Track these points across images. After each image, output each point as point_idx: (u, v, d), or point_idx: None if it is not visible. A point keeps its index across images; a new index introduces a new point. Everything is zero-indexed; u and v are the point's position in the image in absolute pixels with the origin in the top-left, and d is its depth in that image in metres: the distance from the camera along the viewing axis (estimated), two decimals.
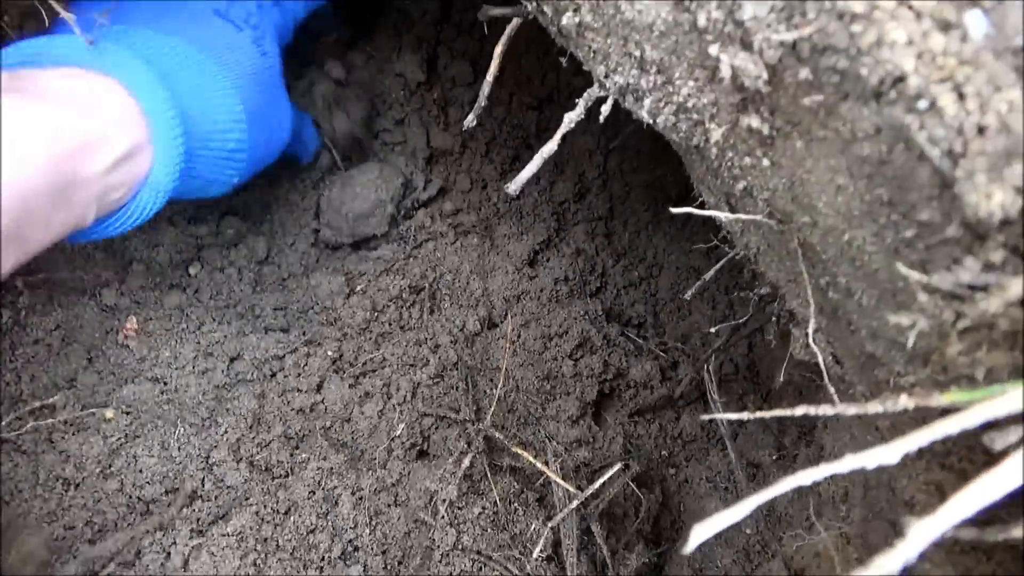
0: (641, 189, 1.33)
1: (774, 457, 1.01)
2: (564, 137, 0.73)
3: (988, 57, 0.30)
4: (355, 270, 1.17)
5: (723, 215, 0.52)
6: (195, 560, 0.88)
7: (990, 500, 0.27)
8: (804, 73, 0.37)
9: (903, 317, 0.38)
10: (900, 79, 0.33)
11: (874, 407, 0.35)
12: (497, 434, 0.96)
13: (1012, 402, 0.29)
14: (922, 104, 0.33)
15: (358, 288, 1.16)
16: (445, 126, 1.30)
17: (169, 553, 0.88)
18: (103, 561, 0.86)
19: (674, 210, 0.50)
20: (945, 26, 0.31)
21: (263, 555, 0.90)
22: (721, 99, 0.44)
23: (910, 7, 0.32)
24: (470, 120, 0.80)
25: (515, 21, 0.74)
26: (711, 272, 0.75)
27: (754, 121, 0.43)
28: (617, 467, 0.86)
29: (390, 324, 1.14)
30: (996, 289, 0.33)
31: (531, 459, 0.90)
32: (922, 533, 0.26)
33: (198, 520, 0.92)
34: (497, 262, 1.23)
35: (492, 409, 1.00)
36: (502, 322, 1.17)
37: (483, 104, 0.79)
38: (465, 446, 0.99)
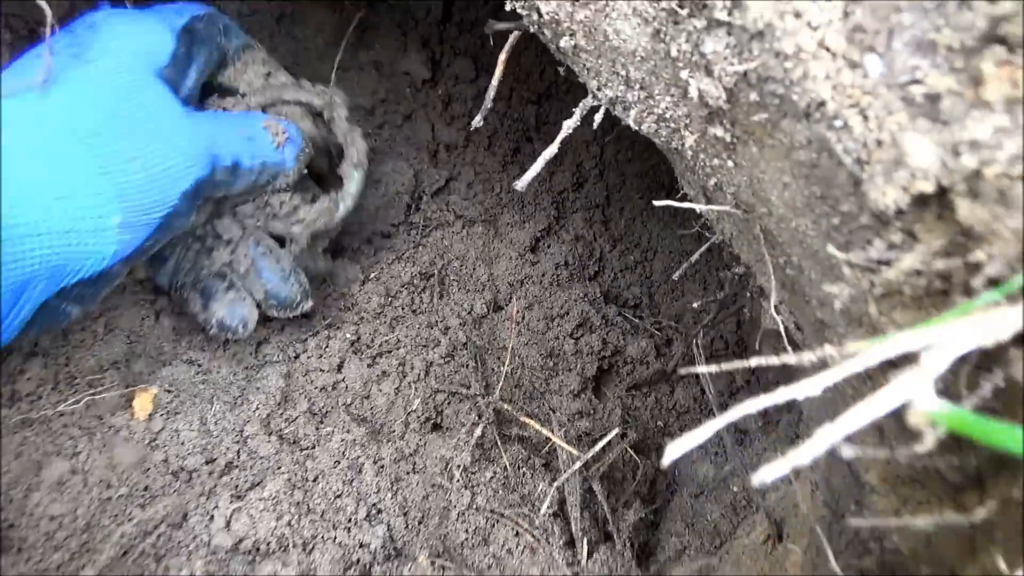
0: (636, 178, 1.44)
1: (760, 424, 1.12)
2: (562, 129, 0.84)
3: (883, 90, 0.42)
4: (369, 259, 1.29)
5: (700, 206, 0.64)
6: (236, 521, 1.00)
7: (873, 417, 0.38)
8: (753, 96, 0.48)
9: (834, 287, 0.49)
10: (821, 104, 0.44)
11: (808, 356, 0.47)
12: (506, 406, 1.08)
13: (896, 346, 0.40)
14: (838, 123, 0.44)
15: (372, 276, 1.28)
16: (449, 120, 1.41)
17: (212, 516, 1.00)
18: (155, 523, 0.98)
19: (657, 203, 0.61)
20: (852, 65, 0.42)
21: (296, 516, 1.01)
22: (692, 112, 0.55)
23: (827, 49, 0.43)
24: (477, 121, 0.92)
25: (516, 33, 0.84)
26: (696, 255, 0.87)
27: (719, 131, 0.54)
28: (616, 431, 0.97)
29: (403, 308, 1.25)
30: (896, 263, 0.44)
31: (537, 426, 1.02)
32: (824, 436, 0.38)
33: (236, 487, 1.03)
34: (501, 249, 1.35)
35: (500, 384, 1.12)
36: (507, 305, 1.29)
37: (489, 107, 0.90)
38: (476, 418, 1.11)
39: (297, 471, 1.06)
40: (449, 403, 1.17)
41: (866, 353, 0.39)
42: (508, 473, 1.07)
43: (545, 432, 1.02)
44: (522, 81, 1.43)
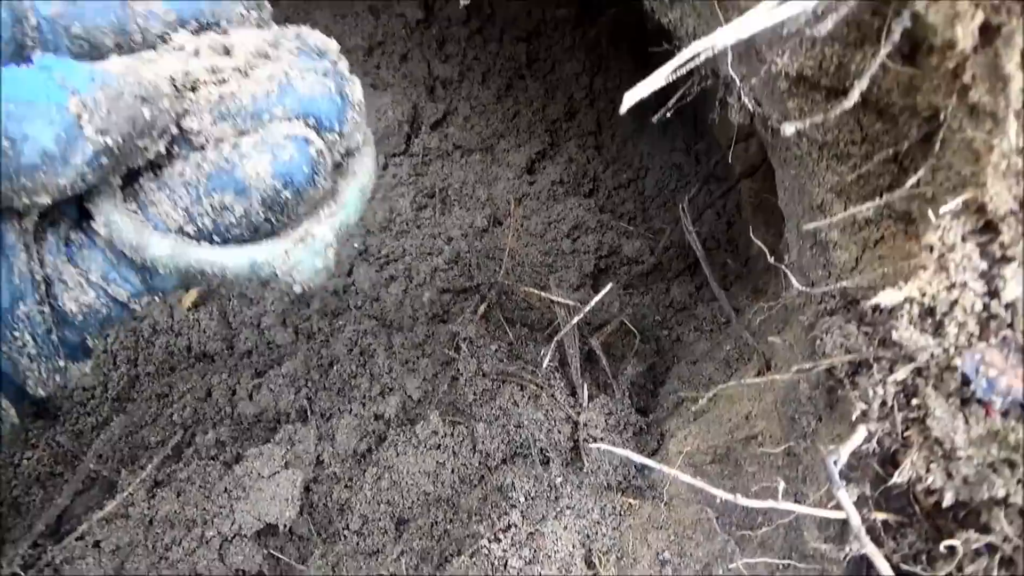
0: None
1: (749, 300, 1.22)
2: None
3: None
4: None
5: None
6: (257, 394, 1.10)
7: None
8: None
9: None
10: None
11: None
12: (507, 281, 1.18)
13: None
14: None
15: (377, 196, 1.40)
16: (444, 59, 1.55)
17: (235, 391, 1.10)
18: (179, 395, 1.09)
19: None
20: None
21: (314, 391, 1.12)
22: None
23: None
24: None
25: None
26: (673, 100, 0.98)
27: None
28: (610, 285, 1.07)
29: (407, 224, 1.37)
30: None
31: (537, 291, 1.12)
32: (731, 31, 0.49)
33: (255, 368, 1.14)
34: (499, 172, 1.47)
35: (503, 269, 1.23)
36: (507, 219, 1.40)
37: None
38: (479, 299, 1.22)
39: (312, 357, 1.16)
40: (455, 302, 1.28)
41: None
42: (512, 345, 1.17)
43: (544, 295, 1.12)
44: (511, 22, 1.58)
